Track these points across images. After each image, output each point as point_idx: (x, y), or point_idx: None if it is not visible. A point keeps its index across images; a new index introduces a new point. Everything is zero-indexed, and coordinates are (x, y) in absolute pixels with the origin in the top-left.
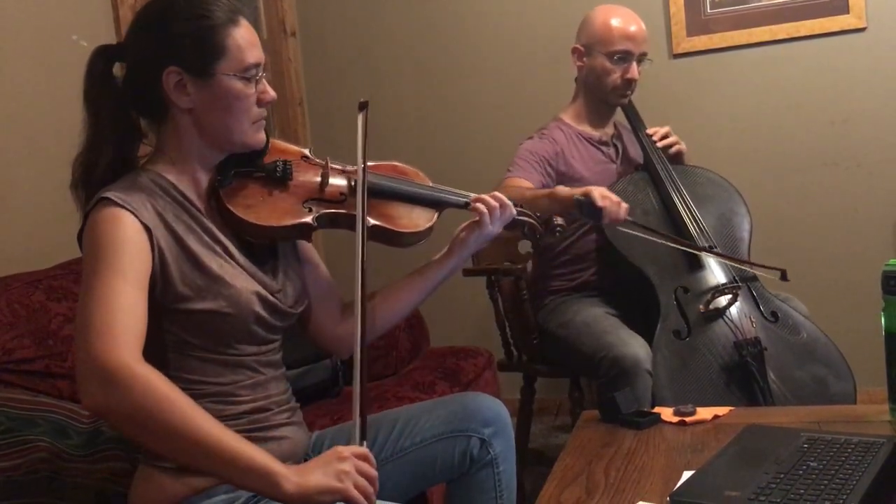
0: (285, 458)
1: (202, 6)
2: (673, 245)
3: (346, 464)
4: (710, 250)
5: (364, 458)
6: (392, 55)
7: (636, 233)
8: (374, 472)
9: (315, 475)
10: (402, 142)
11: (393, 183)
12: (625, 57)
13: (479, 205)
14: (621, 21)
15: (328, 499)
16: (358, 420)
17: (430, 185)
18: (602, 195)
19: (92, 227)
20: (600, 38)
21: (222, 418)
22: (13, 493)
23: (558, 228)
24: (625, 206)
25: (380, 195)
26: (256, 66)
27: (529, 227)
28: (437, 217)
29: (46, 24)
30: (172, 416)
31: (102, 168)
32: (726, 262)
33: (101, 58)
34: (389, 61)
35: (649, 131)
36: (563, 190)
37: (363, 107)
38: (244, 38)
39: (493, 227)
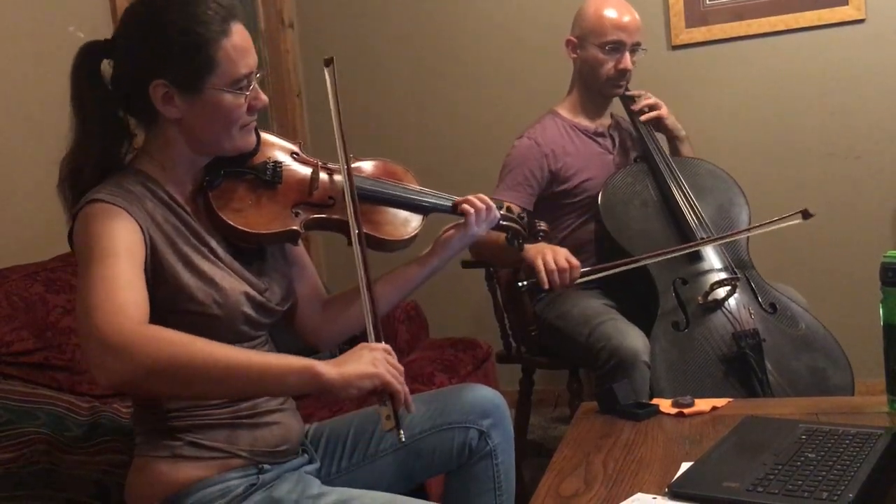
0: (277, 445)
1: (193, 17)
2: (634, 265)
3: (376, 353)
4: (702, 241)
5: (389, 351)
6: (389, 46)
7: (593, 277)
8: (399, 365)
9: (350, 364)
10: (398, 135)
11: (380, 187)
12: (617, 47)
13: (466, 206)
14: (613, 11)
15: (367, 383)
16: (371, 323)
17: (418, 188)
18: (548, 273)
19: (83, 223)
20: (592, 29)
21: (210, 406)
22: (12, 485)
23: (541, 233)
24: (575, 265)
25: (367, 200)
26: (248, 75)
27: (513, 231)
28: (423, 221)
29: (43, 15)
30: (195, 355)
31: (90, 169)
32: (743, 235)
33: (88, 56)
34: (387, 52)
35: (632, 93)
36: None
37: (329, 63)
38: (236, 49)
39: (479, 229)
